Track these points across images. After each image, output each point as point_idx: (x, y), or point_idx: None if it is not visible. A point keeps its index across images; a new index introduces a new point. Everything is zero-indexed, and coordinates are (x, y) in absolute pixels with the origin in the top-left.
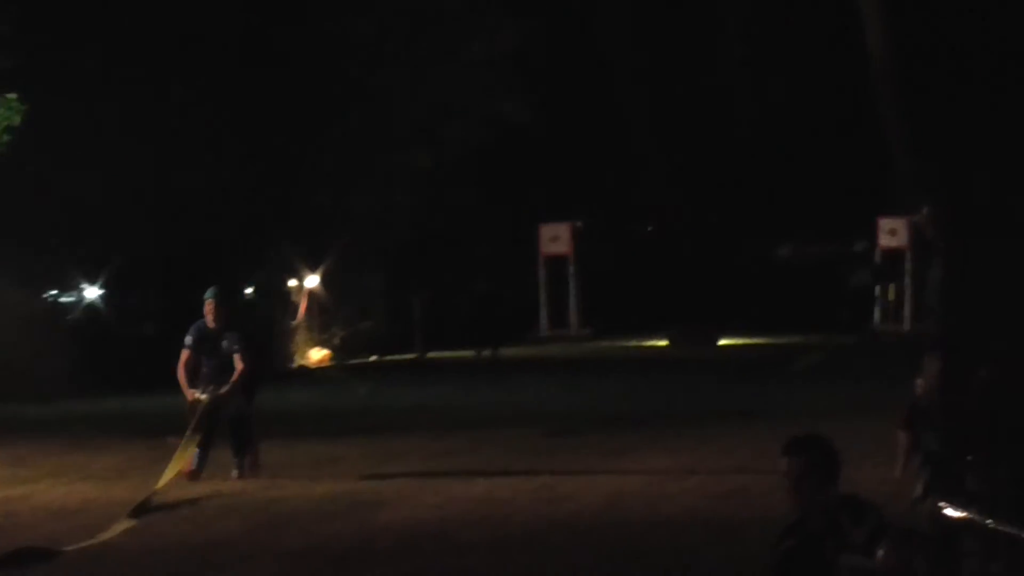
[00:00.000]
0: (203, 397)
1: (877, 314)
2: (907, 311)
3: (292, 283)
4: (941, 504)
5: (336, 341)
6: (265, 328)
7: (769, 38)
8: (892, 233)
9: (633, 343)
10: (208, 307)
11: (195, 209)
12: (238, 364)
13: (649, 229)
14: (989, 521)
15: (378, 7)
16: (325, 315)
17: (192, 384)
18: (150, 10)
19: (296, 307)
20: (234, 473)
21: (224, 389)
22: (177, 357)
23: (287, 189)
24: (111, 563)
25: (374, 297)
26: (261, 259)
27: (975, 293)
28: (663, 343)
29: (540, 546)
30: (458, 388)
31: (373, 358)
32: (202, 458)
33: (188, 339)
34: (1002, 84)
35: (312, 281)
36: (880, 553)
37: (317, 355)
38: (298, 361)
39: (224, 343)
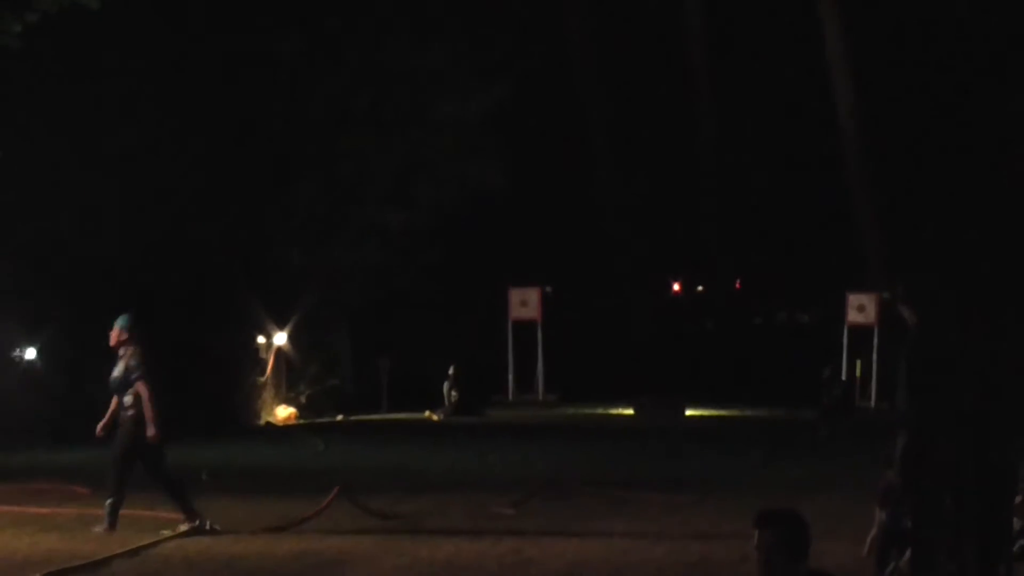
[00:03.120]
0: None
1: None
2: (874, 388)
3: (260, 340)
4: None
5: (302, 399)
6: (229, 383)
7: (742, 110)
8: (860, 309)
9: (599, 410)
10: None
11: (161, 263)
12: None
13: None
14: None
15: (351, 66)
16: (292, 373)
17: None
18: (114, 63)
19: (264, 364)
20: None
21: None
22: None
23: (256, 245)
24: None
25: (341, 355)
26: (228, 315)
27: (947, 368)
28: (629, 411)
29: None
30: (424, 449)
31: (339, 417)
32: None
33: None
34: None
35: (280, 338)
36: None
37: (283, 413)
38: (265, 418)
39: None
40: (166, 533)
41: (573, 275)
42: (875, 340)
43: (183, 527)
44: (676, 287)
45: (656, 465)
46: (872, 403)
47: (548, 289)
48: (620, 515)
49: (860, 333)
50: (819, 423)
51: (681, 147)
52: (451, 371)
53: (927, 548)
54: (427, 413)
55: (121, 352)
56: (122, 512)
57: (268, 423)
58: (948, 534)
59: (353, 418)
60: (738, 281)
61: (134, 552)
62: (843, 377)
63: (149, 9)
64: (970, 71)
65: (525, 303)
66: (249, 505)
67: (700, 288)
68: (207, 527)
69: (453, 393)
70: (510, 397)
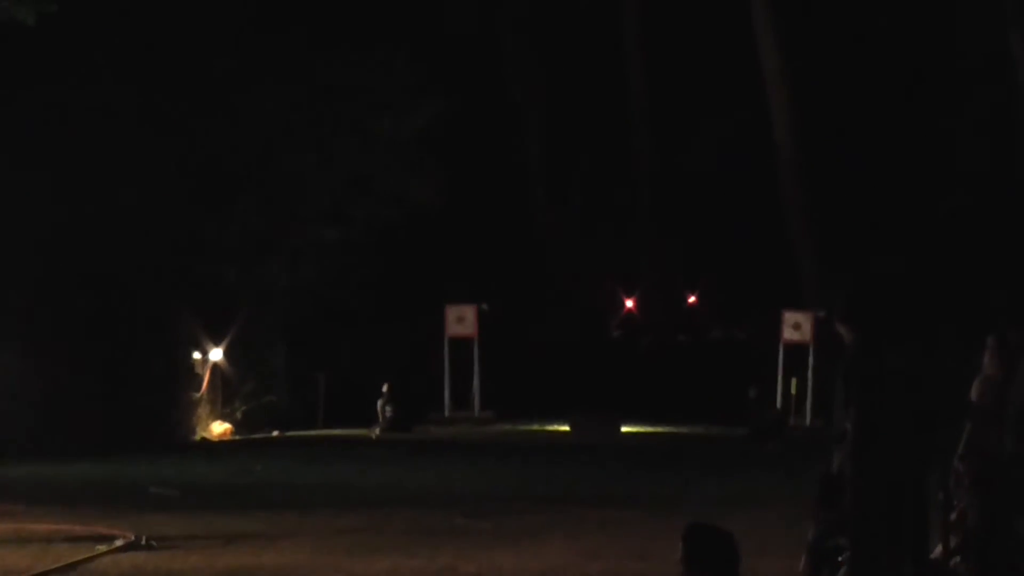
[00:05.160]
0: None
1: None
2: (809, 405)
3: (196, 355)
4: None
5: (238, 415)
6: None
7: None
8: (796, 327)
9: (535, 427)
10: None
11: (97, 278)
12: None
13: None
14: None
15: (287, 82)
16: (227, 388)
17: None
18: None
19: (200, 380)
20: None
21: None
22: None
23: (191, 260)
24: None
25: (277, 372)
26: (164, 331)
27: (880, 388)
28: (565, 428)
29: None
30: (360, 466)
31: (275, 433)
32: None
33: None
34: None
35: (216, 354)
36: None
37: (219, 428)
38: (200, 434)
39: None
40: (101, 548)
41: (509, 292)
42: (810, 358)
43: (119, 542)
44: (630, 304)
45: (592, 482)
46: (807, 421)
47: (484, 306)
48: (556, 532)
49: (795, 351)
50: (757, 440)
51: (618, 161)
52: (385, 388)
53: (865, 565)
54: (371, 431)
55: None
56: (57, 527)
57: (203, 439)
58: (886, 551)
59: (289, 434)
60: (694, 296)
61: (69, 567)
62: (773, 397)
63: (85, 21)
64: (905, 83)
65: (462, 320)
66: (185, 521)
67: (633, 305)
68: (143, 542)
69: (387, 409)
70: (446, 414)
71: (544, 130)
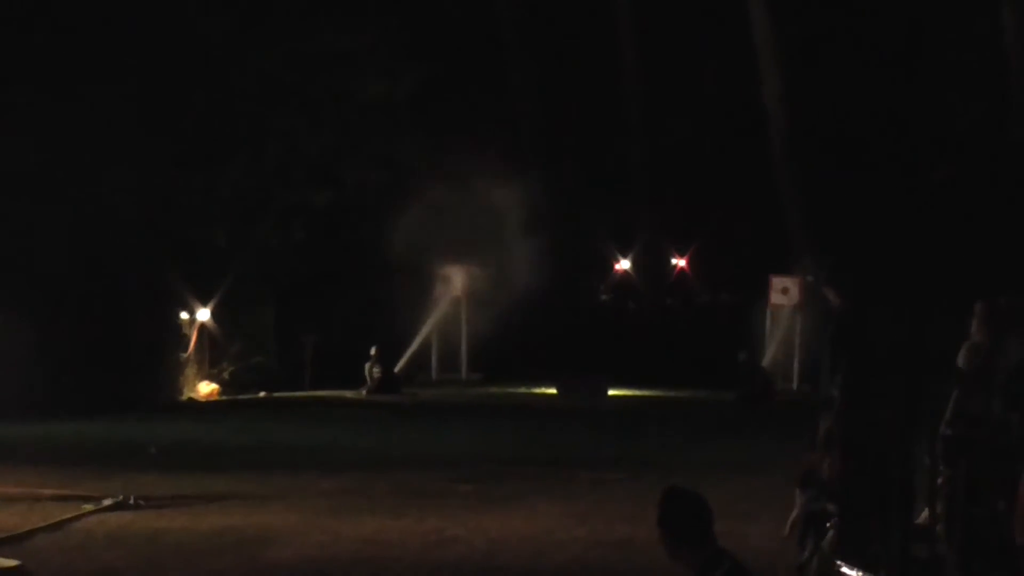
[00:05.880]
0: None
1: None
2: (795, 370)
3: (183, 315)
4: (839, 564)
5: (226, 376)
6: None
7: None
8: (784, 292)
9: (523, 390)
10: None
11: (85, 239)
12: None
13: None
14: None
15: (277, 46)
16: (215, 349)
17: None
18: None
19: (187, 340)
20: None
21: None
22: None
23: (181, 222)
24: None
25: (265, 333)
26: (151, 291)
27: (868, 353)
28: (552, 391)
29: None
30: (347, 429)
31: (262, 394)
32: None
33: None
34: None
35: (203, 314)
36: None
37: (206, 389)
38: (187, 394)
39: None
40: (88, 507)
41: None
42: (797, 323)
43: (106, 502)
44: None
45: (580, 445)
46: (794, 386)
47: (474, 268)
48: (545, 494)
49: (783, 315)
50: (746, 404)
51: (610, 127)
52: (372, 351)
53: (853, 530)
54: (357, 392)
55: None
56: (44, 490)
57: (191, 399)
58: (874, 516)
59: (276, 395)
60: (684, 261)
61: (56, 526)
62: (761, 361)
63: None
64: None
65: (450, 280)
66: (172, 481)
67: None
68: (131, 501)
69: (375, 371)
70: (433, 376)
71: (536, 92)
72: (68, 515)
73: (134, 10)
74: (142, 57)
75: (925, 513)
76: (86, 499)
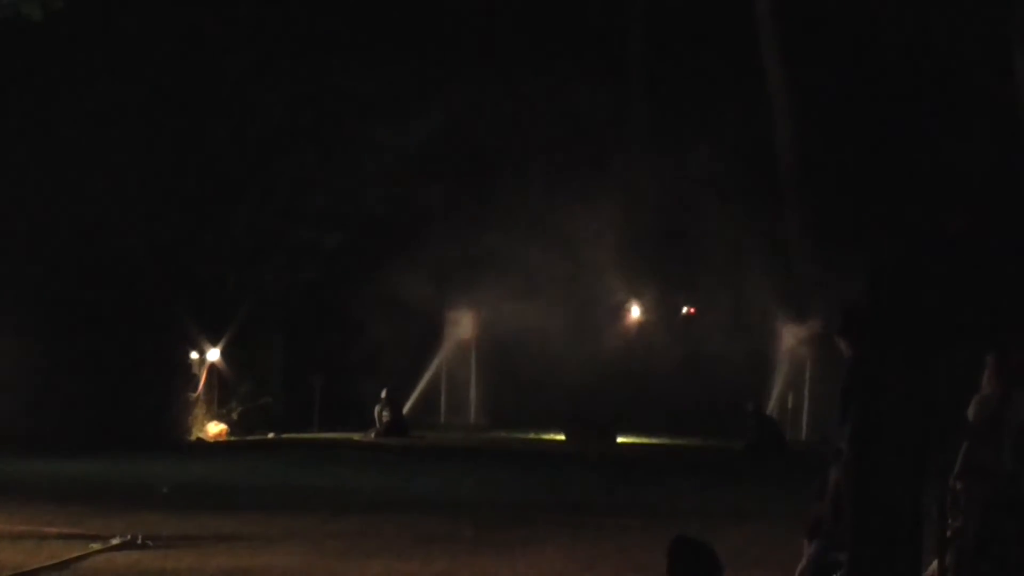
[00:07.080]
0: None
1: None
2: (805, 420)
3: (193, 355)
4: None
5: (234, 416)
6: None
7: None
8: (795, 340)
9: (531, 435)
10: None
11: (96, 278)
12: None
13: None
14: None
15: (292, 87)
16: (224, 389)
17: None
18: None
19: (196, 379)
20: None
21: None
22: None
23: (191, 261)
24: None
25: (274, 374)
26: (162, 330)
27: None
28: (560, 437)
29: None
30: (355, 470)
31: (271, 435)
32: None
33: None
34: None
35: (213, 354)
36: None
37: (214, 429)
38: (196, 434)
39: None
40: (95, 546)
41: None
42: (807, 373)
43: (114, 541)
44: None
45: (588, 491)
46: (803, 436)
47: (482, 312)
48: (552, 539)
49: (793, 365)
50: (754, 453)
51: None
52: (383, 393)
53: None
54: (365, 435)
55: None
56: (51, 528)
57: (199, 439)
58: (882, 568)
59: (284, 436)
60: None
61: (63, 565)
62: (768, 411)
63: (88, 19)
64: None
65: (459, 324)
66: (179, 521)
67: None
68: (138, 541)
69: (384, 414)
70: (442, 419)
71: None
72: (75, 554)
73: (148, 48)
74: (154, 96)
75: (934, 565)
76: (93, 538)
